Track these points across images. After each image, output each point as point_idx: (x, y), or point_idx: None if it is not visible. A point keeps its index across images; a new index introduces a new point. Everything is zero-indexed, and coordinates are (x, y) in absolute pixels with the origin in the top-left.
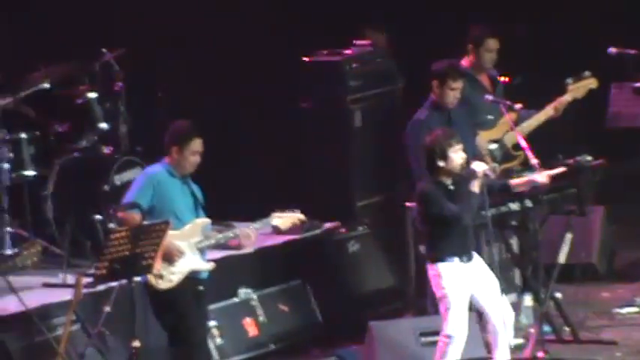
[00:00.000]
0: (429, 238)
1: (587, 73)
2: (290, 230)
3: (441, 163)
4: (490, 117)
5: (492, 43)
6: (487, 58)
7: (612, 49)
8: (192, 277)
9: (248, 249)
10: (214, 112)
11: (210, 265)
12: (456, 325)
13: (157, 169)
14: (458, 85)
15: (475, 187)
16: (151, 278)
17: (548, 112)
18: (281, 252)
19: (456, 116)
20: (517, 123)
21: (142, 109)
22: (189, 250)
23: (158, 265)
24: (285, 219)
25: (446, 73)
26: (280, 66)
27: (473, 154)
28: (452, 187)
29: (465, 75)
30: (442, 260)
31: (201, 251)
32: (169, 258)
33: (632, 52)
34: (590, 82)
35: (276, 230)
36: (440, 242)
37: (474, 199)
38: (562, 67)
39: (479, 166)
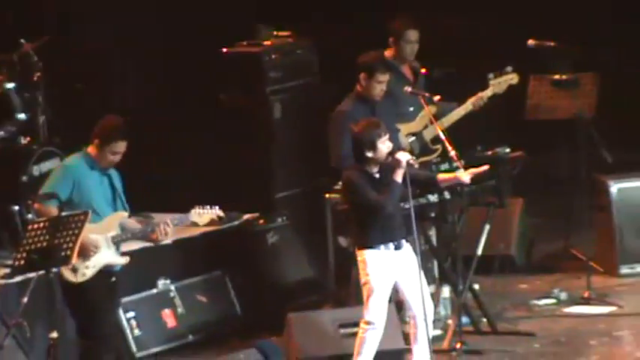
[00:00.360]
0: (356, 226)
1: (508, 68)
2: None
3: (369, 154)
4: (411, 109)
5: (412, 35)
6: (408, 50)
7: (531, 42)
8: (105, 270)
9: (165, 241)
10: (134, 104)
11: (125, 260)
12: (376, 312)
13: (76, 160)
14: (385, 78)
15: (399, 176)
16: (64, 272)
17: (467, 106)
18: (200, 243)
19: (380, 108)
20: (438, 116)
21: (61, 100)
22: (104, 245)
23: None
24: (204, 216)
25: (374, 66)
26: (200, 57)
27: (397, 144)
28: (377, 176)
29: (391, 68)
30: (368, 247)
31: (117, 245)
32: (84, 252)
33: (551, 44)
34: (511, 78)
35: (194, 225)
36: (365, 230)
37: (398, 188)
38: (481, 59)
39: (403, 156)
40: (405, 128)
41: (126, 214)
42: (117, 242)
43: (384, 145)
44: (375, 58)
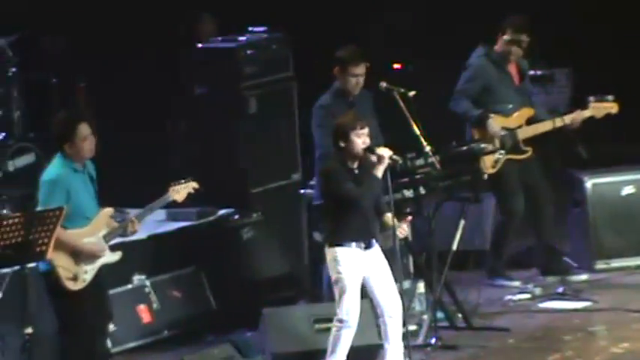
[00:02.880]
0: (329, 221)
1: (610, 97)
2: (185, 216)
3: (342, 144)
4: (510, 106)
5: (523, 38)
6: (514, 51)
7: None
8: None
9: (133, 236)
10: (108, 99)
11: (118, 255)
12: (349, 309)
13: (60, 169)
14: (359, 70)
15: (379, 171)
16: (65, 281)
17: (564, 120)
18: (175, 238)
19: (359, 102)
20: (534, 120)
21: (36, 95)
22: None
23: (62, 260)
24: (181, 192)
25: (346, 59)
26: (176, 52)
27: (376, 139)
28: (357, 171)
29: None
30: (339, 244)
31: (107, 243)
32: (90, 258)
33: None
34: (611, 107)
35: (174, 202)
36: (339, 226)
37: (376, 183)
38: (454, 53)
39: (385, 152)
40: (500, 120)
41: (111, 210)
42: (108, 241)
43: (360, 139)
44: (348, 51)
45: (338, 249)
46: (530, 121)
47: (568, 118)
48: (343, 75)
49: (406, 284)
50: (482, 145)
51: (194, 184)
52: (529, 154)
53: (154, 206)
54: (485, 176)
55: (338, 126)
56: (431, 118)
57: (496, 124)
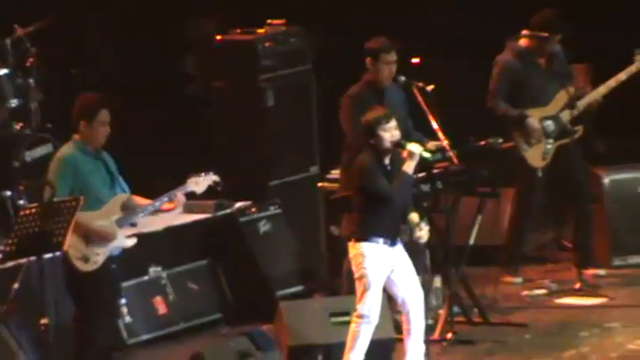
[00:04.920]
0: (357, 214)
1: None
2: (202, 209)
3: (371, 140)
4: (547, 94)
5: (555, 40)
6: (538, 47)
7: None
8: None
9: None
10: (127, 90)
11: (133, 241)
12: (371, 305)
13: (70, 150)
14: (392, 58)
15: (410, 168)
16: (76, 261)
17: (610, 84)
18: (192, 231)
19: (391, 94)
20: (577, 98)
21: (54, 85)
22: (118, 230)
23: (72, 240)
24: (201, 184)
25: (379, 48)
26: (193, 44)
27: (406, 133)
28: (389, 167)
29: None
30: (367, 240)
31: (121, 228)
32: (101, 241)
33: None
34: None
35: (192, 194)
36: (368, 221)
37: (409, 180)
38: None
39: (416, 148)
40: (538, 112)
41: (126, 195)
42: (121, 225)
43: (387, 134)
44: (379, 41)
45: (365, 244)
46: (572, 100)
47: (614, 80)
48: (376, 64)
49: (422, 279)
50: (500, 140)
51: (214, 177)
52: (579, 133)
53: (170, 195)
54: (539, 173)
55: (364, 123)
56: (448, 112)
57: (534, 120)
